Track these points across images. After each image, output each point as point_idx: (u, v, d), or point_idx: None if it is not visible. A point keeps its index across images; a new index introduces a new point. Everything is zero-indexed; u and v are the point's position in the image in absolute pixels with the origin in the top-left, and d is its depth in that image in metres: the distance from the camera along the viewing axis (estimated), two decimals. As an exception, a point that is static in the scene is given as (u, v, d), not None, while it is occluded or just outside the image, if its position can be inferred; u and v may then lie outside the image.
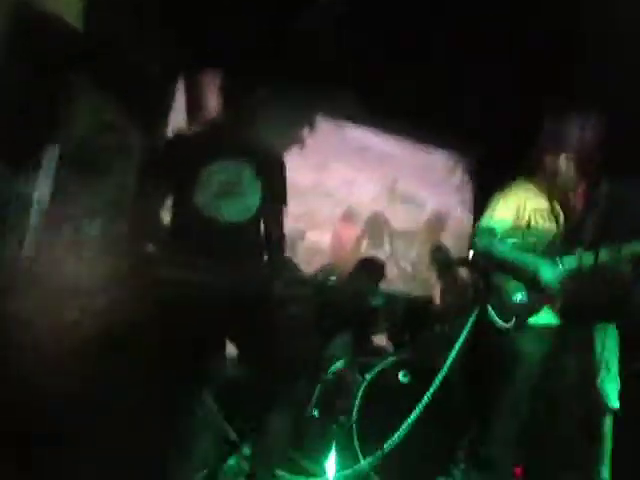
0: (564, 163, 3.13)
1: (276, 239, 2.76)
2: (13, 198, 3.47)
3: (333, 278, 2.60)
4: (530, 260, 2.99)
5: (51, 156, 3.72)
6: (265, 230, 2.74)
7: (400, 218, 5.81)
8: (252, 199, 2.63)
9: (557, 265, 2.95)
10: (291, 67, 4.98)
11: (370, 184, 5.73)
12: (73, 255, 3.90)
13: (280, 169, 2.81)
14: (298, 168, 5.25)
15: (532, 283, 2.96)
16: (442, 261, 4.64)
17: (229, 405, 2.87)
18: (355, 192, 5.68)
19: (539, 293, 2.96)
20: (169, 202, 2.78)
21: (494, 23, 4.53)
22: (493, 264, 3.01)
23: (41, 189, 3.65)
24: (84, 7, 2.57)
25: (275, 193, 2.74)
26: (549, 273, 2.93)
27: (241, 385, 2.73)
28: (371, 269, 4.22)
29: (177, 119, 4.90)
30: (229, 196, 2.60)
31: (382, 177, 5.78)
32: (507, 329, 2.96)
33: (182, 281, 2.59)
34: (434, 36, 4.80)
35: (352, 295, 2.75)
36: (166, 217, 2.79)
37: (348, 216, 5.63)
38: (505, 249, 3.03)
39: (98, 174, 4.13)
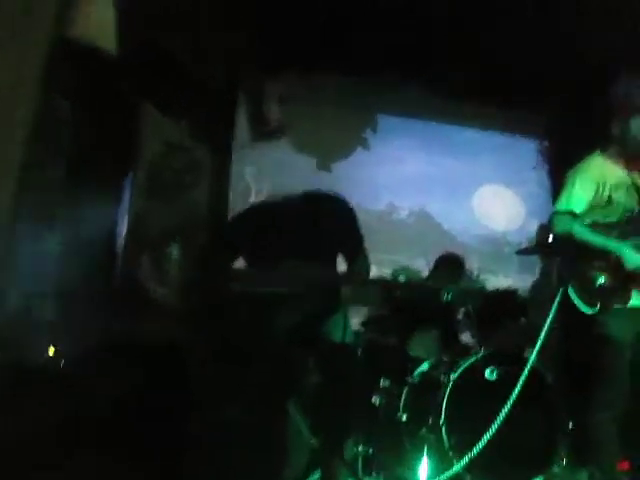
0: (636, 126, 2.93)
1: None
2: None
3: (402, 277, 2.56)
4: (613, 244, 2.84)
5: (126, 182, 3.84)
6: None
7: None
8: None
9: None
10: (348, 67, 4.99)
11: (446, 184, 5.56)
12: (156, 277, 4.02)
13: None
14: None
15: (616, 267, 2.80)
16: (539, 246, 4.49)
17: (314, 415, 2.86)
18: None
19: (625, 277, 2.80)
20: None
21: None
22: (574, 247, 2.87)
23: (120, 215, 3.78)
24: (118, 31, 2.62)
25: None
26: (634, 257, 2.78)
27: (324, 394, 2.71)
28: (448, 266, 4.13)
29: (242, 132, 4.97)
30: None
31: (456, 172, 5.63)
32: (593, 313, 2.81)
33: (261, 293, 2.65)
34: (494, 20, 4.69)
35: (425, 292, 2.69)
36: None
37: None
38: (585, 231, 2.88)
39: (171, 196, 4.24)
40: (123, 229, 3.73)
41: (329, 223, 2.91)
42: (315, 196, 3.07)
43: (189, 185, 4.38)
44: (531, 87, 5.20)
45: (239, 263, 2.98)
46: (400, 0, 4.61)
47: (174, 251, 4.15)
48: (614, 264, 2.81)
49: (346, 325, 2.76)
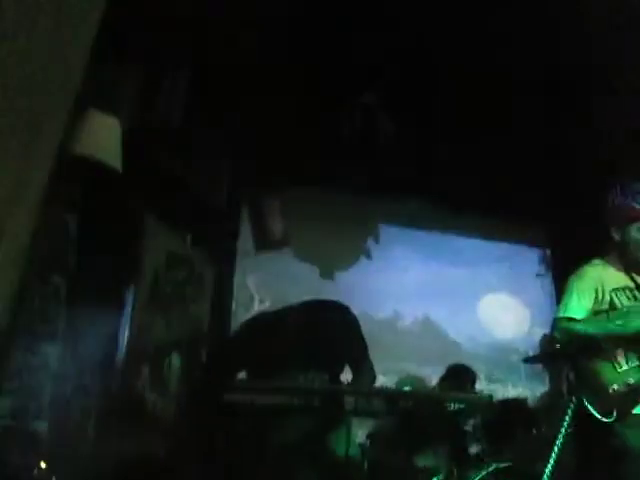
0: (634, 233, 2.97)
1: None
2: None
3: (408, 387, 2.50)
4: (618, 319, 2.81)
5: (128, 294, 3.84)
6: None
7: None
8: None
9: None
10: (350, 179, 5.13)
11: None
12: (157, 389, 3.94)
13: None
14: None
15: (627, 342, 2.76)
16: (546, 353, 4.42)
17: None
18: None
19: None
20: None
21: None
22: (579, 348, 2.81)
23: (121, 327, 3.75)
24: (122, 150, 2.72)
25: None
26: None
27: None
28: (456, 375, 4.05)
29: (245, 242, 5.04)
30: None
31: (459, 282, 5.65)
32: (609, 422, 2.70)
33: (262, 406, 2.60)
34: (492, 135, 4.89)
35: (433, 403, 2.61)
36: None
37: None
38: (587, 325, 2.85)
39: (173, 307, 4.23)
40: (124, 341, 3.69)
41: (332, 332, 2.90)
42: (318, 306, 3.08)
43: (191, 296, 4.38)
44: (532, 197, 5.34)
45: (241, 374, 2.94)
46: (401, 117, 4.84)
47: (175, 362, 4.08)
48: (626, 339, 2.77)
49: (350, 437, 2.68)
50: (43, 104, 1.96)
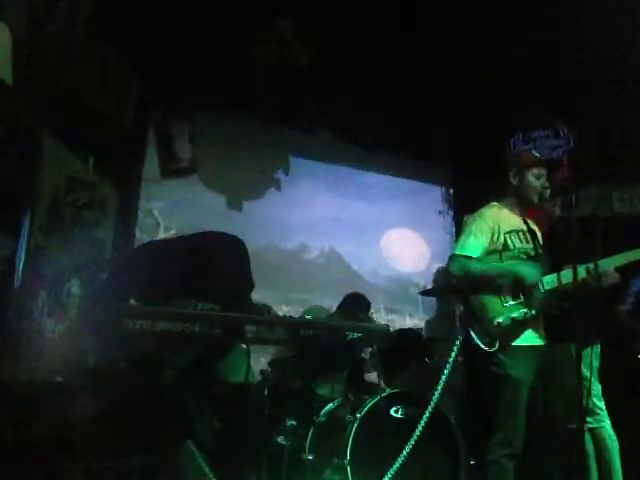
0: (531, 179, 3.13)
1: None
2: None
3: (309, 317, 2.56)
4: (508, 265, 2.99)
5: (24, 217, 3.67)
6: None
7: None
8: None
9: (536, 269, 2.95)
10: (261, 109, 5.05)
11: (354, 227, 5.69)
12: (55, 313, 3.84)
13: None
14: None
15: (515, 286, 2.94)
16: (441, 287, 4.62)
17: (216, 456, 2.79)
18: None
19: (525, 297, 2.95)
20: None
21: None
22: (472, 284, 2.97)
23: (18, 253, 3.60)
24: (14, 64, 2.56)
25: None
26: (529, 270, 2.94)
27: (225, 435, 2.65)
28: (354, 305, 4.17)
29: (152, 168, 4.89)
30: None
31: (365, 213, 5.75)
32: (492, 352, 2.90)
33: (161, 331, 2.59)
34: (404, 71, 4.91)
35: (332, 332, 2.70)
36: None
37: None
38: (480, 264, 3.00)
39: (74, 232, 4.08)
40: (19, 264, 3.55)
41: (224, 262, 2.92)
42: (211, 236, 3.08)
43: (92, 222, 4.23)
44: (438, 137, 5.46)
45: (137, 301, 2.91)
46: (315, 48, 4.76)
47: (75, 289, 3.98)
48: (514, 284, 2.95)
49: (248, 364, 2.73)
50: None
